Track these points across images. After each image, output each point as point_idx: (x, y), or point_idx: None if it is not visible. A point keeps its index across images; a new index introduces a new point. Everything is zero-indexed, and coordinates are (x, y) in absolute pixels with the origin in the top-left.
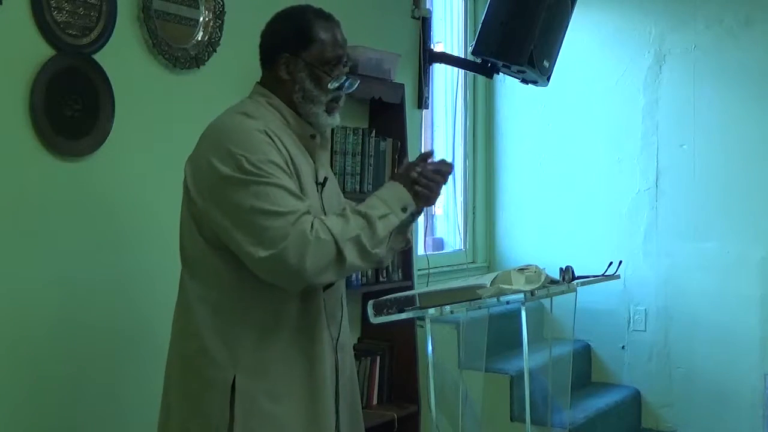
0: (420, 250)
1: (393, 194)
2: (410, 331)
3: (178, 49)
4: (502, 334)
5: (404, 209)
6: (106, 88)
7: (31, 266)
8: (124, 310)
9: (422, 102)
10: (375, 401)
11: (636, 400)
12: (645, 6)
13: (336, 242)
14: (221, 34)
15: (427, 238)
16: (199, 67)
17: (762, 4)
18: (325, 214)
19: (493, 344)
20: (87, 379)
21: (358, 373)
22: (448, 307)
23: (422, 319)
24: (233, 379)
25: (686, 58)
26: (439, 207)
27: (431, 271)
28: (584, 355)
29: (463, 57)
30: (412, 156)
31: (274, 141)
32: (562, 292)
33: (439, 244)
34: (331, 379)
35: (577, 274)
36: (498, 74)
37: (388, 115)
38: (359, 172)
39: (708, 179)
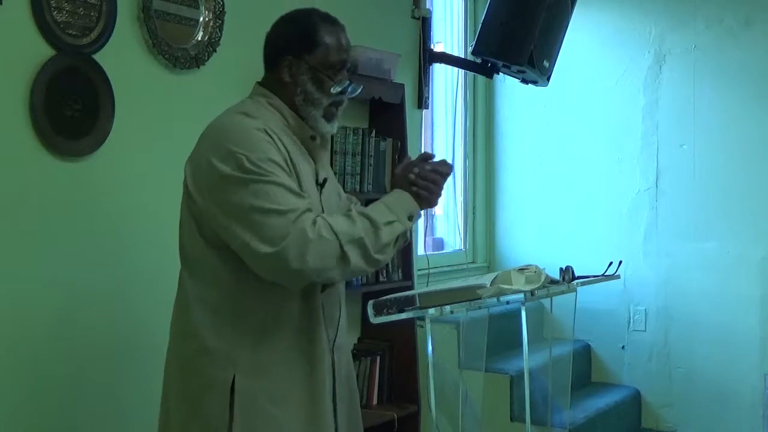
0: (420, 250)
1: (400, 202)
2: (410, 331)
3: (178, 49)
4: (502, 334)
5: (410, 217)
6: (106, 88)
7: (31, 266)
8: (124, 310)
9: (422, 102)
10: (375, 401)
11: (636, 400)
12: (645, 6)
13: (339, 242)
14: (221, 34)
15: (427, 238)
16: (199, 67)
17: (762, 4)
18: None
19: (493, 344)
20: (87, 379)
21: (357, 374)
22: (448, 307)
23: (422, 319)
24: (233, 379)
25: (686, 58)
26: (439, 207)
27: (431, 271)
28: (584, 355)
29: (463, 57)
30: (412, 157)
31: (273, 140)
32: (562, 292)
33: (439, 244)
34: (329, 381)
35: (577, 274)
36: (498, 74)
37: (388, 115)
38: (359, 172)
39: (708, 179)
